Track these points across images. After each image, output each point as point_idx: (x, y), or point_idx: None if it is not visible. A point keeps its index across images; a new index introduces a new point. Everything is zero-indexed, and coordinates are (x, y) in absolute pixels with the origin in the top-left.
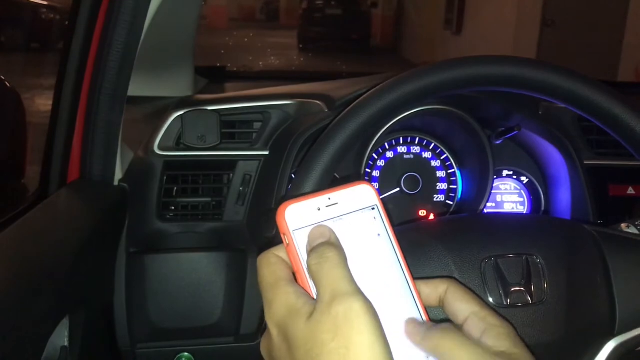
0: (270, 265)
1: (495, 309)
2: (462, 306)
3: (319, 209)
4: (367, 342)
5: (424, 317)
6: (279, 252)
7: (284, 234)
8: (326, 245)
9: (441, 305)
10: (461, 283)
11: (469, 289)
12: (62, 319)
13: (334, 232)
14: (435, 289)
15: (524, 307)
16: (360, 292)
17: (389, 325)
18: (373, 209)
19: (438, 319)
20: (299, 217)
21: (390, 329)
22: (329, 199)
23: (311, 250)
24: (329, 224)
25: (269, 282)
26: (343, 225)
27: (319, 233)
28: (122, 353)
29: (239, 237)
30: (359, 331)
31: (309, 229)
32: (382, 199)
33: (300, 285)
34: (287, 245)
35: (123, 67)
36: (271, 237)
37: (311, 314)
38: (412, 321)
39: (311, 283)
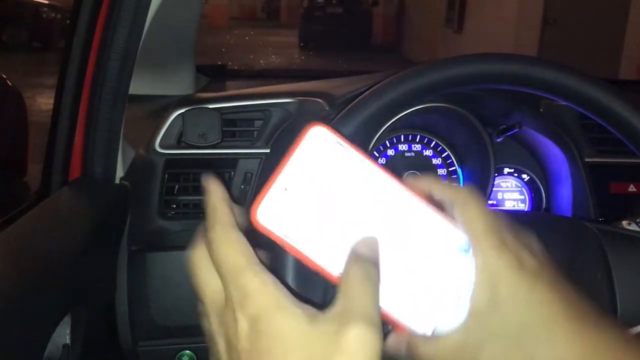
0: (232, 242)
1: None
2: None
3: (286, 189)
4: None
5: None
6: (238, 232)
7: (275, 241)
8: (371, 264)
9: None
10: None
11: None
12: (64, 317)
13: (379, 249)
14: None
15: None
16: (379, 326)
17: (402, 262)
18: (338, 144)
19: None
20: (276, 214)
21: (403, 263)
22: (287, 169)
23: (355, 258)
24: (308, 188)
25: (238, 264)
26: (321, 176)
27: (368, 245)
28: (124, 351)
29: None
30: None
31: (295, 219)
32: None
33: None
34: (284, 246)
35: (124, 65)
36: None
37: (313, 318)
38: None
39: (339, 278)
